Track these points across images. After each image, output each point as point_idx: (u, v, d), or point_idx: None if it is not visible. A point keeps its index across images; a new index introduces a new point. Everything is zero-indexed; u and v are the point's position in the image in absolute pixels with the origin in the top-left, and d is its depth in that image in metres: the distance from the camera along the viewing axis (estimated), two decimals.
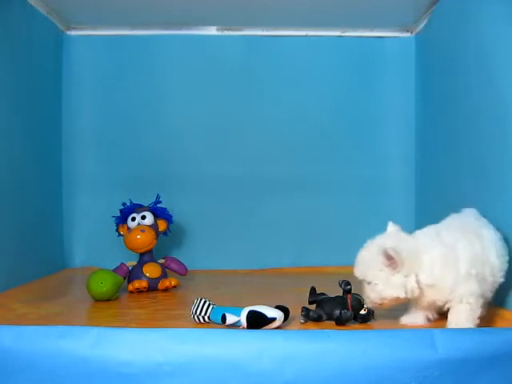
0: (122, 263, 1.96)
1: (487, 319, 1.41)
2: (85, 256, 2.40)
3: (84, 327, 1.21)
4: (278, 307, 1.36)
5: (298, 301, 1.61)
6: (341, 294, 1.46)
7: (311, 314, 1.42)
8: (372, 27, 2.40)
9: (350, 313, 1.38)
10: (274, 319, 1.32)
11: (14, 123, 1.91)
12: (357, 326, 1.38)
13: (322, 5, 2.14)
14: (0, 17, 1.80)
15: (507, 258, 1.41)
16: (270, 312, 1.32)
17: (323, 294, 1.53)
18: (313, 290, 1.54)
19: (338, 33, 2.42)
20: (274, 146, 2.42)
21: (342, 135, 2.43)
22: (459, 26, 1.84)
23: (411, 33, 2.41)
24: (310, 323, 1.41)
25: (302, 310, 1.42)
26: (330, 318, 1.41)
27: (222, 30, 2.42)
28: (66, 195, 2.40)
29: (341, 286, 1.47)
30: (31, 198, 2.04)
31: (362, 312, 1.40)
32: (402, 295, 1.34)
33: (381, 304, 1.38)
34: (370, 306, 1.40)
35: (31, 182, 2.05)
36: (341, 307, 1.40)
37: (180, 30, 2.41)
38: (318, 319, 1.41)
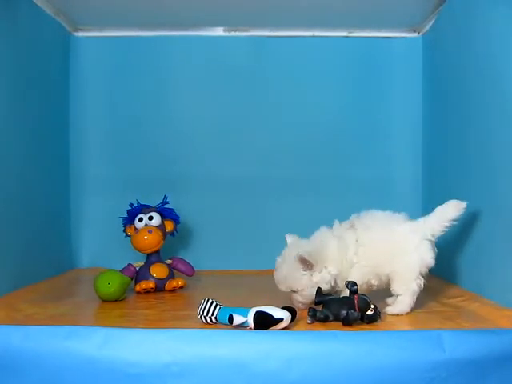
0: (129, 264, 1.96)
1: (494, 320, 1.41)
2: (92, 256, 2.40)
3: (91, 327, 1.21)
4: (285, 308, 1.36)
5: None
6: (347, 295, 1.46)
7: (318, 314, 1.42)
8: (379, 27, 2.40)
9: (356, 313, 1.38)
10: (281, 320, 1.32)
11: (21, 124, 1.91)
12: (364, 326, 1.38)
13: (329, 5, 2.13)
14: (7, 18, 1.81)
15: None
16: (277, 312, 1.32)
17: (329, 294, 1.53)
18: (319, 290, 1.53)
19: (344, 33, 2.42)
20: (281, 146, 2.41)
21: (349, 136, 2.42)
22: (467, 25, 1.83)
23: (418, 33, 2.41)
24: (316, 324, 1.41)
25: (309, 311, 1.42)
26: (336, 318, 1.41)
27: (228, 30, 2.42)
28: (73, 196, 2.40)
29: (347, 287, 1.47)
30: (39, 198, 2.05)
31: (369, 312, 1.40)
32: (326, 288, 1.55)
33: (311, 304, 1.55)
34: (302, 308, 1.55)
35: (39, 182, 2.06)
36: (347, 308, 1.39)
37: (187, 30, 2.41)
38: (324, 320, 1.41)
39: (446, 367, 1.14)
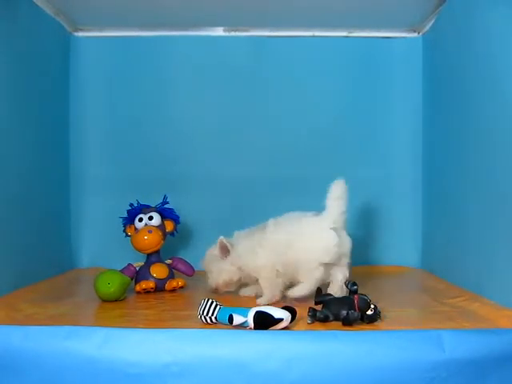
0: (129, 264, 1.96)
1: (494, 320, 1.41)
2: (92, 256, 2.40)
3: (91, 327, 1.21)
4: (284, 308, 1.36)
5: (305, 301, 1.62)
6: (347, 295, 1.46)
7: (318, 314, 1.42)
8: (379, 27, 2.40)
9: (356, 313, 1.38)
10: (281, 320, 1.32)
11: (21, 124, 1.91)
12: (364, 326, 1.38)
13: (329, 5, 2.13)
14: (7, 18, 1.81)
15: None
16: (276, 312, 1.32)
17: (329, 294, 1.53)
18: (319, 290, 1.54)
19: (344, 33, 2.42)
20: (281, 146, 2.41)
21: (349, 136, 2.42)
22: (467, 25, 1.83)
23: (418, 33, 2.41)
24: (316, 324, 1.41)
25: (309, 311, 1.42)
26: (336, 318, 1.41)
27: (228, 30, 2.42)
28: (73, 196, 2.40)
29: (347, 287, 1.47)
30: (39, 198, 2.05)
31: (369, 312, 1.40)
32: (228, 277, 1.80)
33: (216, 289, 1.83)
34: (210, 290, 1.84)
35: (39, 182, 2.06)
36: (347, 307, 1.40)
37: (187, 30, 2.41)
38: (324, 320, 1.41)
39: (446, 367, 1.14)
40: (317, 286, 1.62)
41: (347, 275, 1.70)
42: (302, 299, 1.64)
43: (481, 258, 1.69)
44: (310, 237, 1.69)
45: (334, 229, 1.69)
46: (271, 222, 1.81)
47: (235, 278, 1.82)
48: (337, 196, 1.71)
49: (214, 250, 1.83)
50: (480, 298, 1.64)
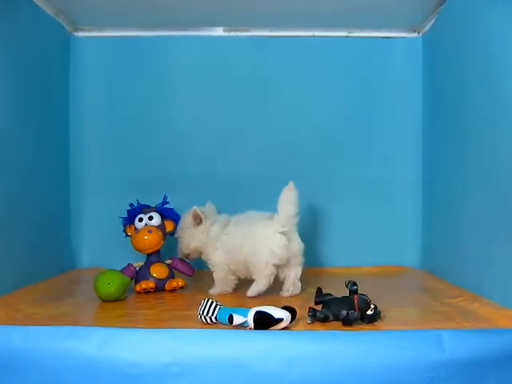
0: (129, 264, 1.96)
1: (494, 320, 1.41)
2: (92, 256, 2.40)
3: (91, 327, 1.21)
4: (284, 308, 1.36)
5: (305, 301, 1.62)
6: (347, 295, 1.46)
7: (318, 314, 1.42)
8: (379, 27, 2.40)
9: (356, 313, 1.38)
10: (281, 320, 1.32)
11: (21, 124, 1.91)
12: (364, 326, 1.38)
13: (329, 5, 2.13)
14: (7, 18, 1.81)
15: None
16: (276, 312, 1.32)
17: (329, 294, 1.53)
18: (319, 290, 1.54)
19: (344, 33, 2.42)
20: (281, 145, 2.41)
21: (349, 136, 2.42)
22: (467, 25, 1.83)
23: (418, 33, 2.41)
24: (316, 324, 1.41)
25: (309, 311, 1.42)
26: (336, 318, 1.41)
27: (228, 30, 2.42)
28: (73, 196, 2.40)
29: (347, 287, 1.47)
30: (39, 198, 2.05)
31: (369, 312, 1.40)
32: (198, 244, 1.91)
33: (188, 254, 1.96)
34: (181, 256, 1.99)
35: (39, 182, 2.06)
36: (347, 307, 1.39)
37: (187, 30, 2.41)
38: (324, 320, 1.41)
39: (446, 367, 1.14)
40: (271, 280, 1.74)
41: (299, 274, 1.79)
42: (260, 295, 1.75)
43: (480, 258, 1.69)
44: (259, 239, 1.76)
45: (284, 232, 1.75)
46: (234, 219, 1.90)
47: (200, 249, 1.93)
48: (287, 200, 1.75)
49: (187, 218, 1.94)
50: (480, 297, 1.64)
